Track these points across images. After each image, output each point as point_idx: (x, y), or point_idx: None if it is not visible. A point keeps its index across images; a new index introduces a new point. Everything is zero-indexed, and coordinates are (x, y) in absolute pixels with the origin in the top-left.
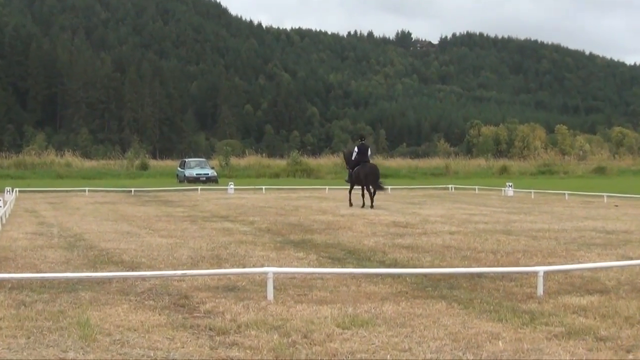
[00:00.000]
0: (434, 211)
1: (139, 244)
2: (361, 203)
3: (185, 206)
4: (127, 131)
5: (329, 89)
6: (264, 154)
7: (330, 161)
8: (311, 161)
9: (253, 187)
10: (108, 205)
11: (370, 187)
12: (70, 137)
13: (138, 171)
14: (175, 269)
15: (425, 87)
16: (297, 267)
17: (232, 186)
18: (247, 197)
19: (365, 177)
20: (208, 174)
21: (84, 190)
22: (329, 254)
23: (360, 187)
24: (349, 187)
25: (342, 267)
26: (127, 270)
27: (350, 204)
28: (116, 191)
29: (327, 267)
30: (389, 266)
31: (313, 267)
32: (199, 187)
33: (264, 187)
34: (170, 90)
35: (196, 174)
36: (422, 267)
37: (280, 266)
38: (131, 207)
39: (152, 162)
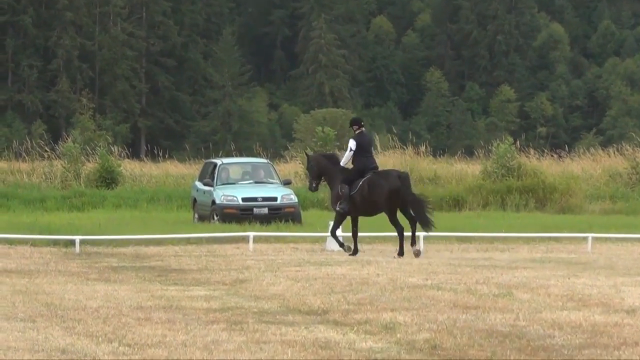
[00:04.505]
0: None
1: None
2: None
3: (215, 283)
4: (65, 83)
5: None
6: (422, 146)
7: (597, 166)
8: (546, 165)
9: (392, 233)
10: (15, 278)
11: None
12: None
13: (93, 190)
14: None
15: None
16: None
17: (338, 230)
18: (379, 260)
19: (392, 196)
20: (275, 198)
21: None
22: None
23: (360, 215)
24: (340, 220)
25: None
26: None
27: (352, 250)
28: (35, 241)
29: None
30: None
31: None
32: (251, 234)
33: (421, 234)
34: None
35: (244, 200)
36: None
37: None
38: (74, 285)
39: (131, 166)
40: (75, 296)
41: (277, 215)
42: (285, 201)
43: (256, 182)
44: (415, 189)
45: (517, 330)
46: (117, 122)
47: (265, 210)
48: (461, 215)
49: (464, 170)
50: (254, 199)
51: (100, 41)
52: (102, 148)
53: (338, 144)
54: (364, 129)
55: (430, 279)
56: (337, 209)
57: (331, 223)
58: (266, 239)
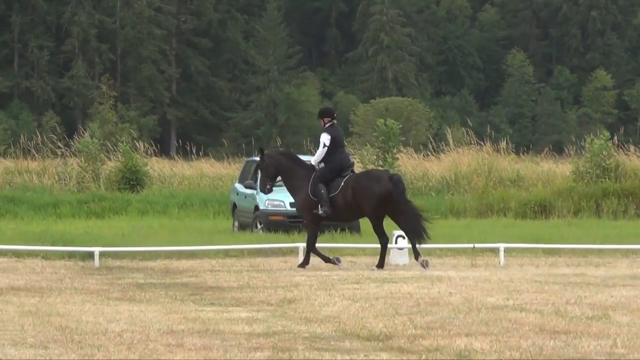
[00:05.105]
0: None
1: None
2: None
3: (258, 303)
4: (81, 67)
5: None
6: (503, 142)
7: None
8: None
9: (467, 244)
10: (24, 297)
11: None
12: None
13: (114, 193)
14: None
15: None
16: None
17: (402, 243)
18: (452, 276)
19: (383, 202)
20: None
21: None
22: None
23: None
24: (312, 231)
25: None
26: None
27: (328, 259)
28: (47, 253)
29: None
30: None
31: None
32: (301, 245)
33: (502, 245)
34: None
35: (292, 205)
36: None
37: None
38: (92, 305)
39: (159, 165)
40: (95, 318)
41: (332, 223)
42: None
43: None
44: (495, 192)
45: (614, 358)
46: (143, 114)
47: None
48: (548, 224)
49: (552, 170)
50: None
51: (122, 18)
52: (125, 144)
53: (403, 138)
54: (335, 121)
55: (512, 299)
56: (320, 212)
57: (396, 233)
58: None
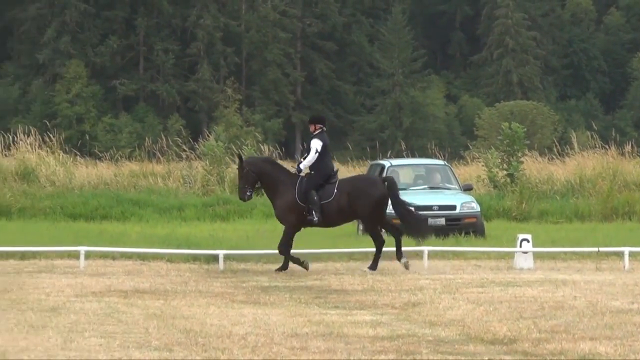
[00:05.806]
0: None
1: None
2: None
3: (382, 307)
4: (206, 71)
5: None
6: (628, 145)
7: None
8: None
9: (591, 248)
10: (148, 300)
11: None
12: (33, 86)
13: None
14: None
15: None
16: None
17: (527, 245)
18: (577, 280)
19: (379, 206)
20: (454, 207)
21: (76, 253)
22: None
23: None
24: (293, 232)
25: None
26: None
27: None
28: (171, 256)
29: None
30: None
31: None
32: (426, 248)
33: (624, 249)
34: None
35: (417, 209)
36: None
37: None
38: (217, 308)
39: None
40: (219, 321)
41: (456, 226)
42: (465, 210)
43: (431, 188)
44: (620, 196)
45: None
46: (268, 117)
47: (442, 221)
48: None
49: None
50: (429, 208)
51: (247, 21)
52: (250, 147)
53: (528, 142)
54: (325, 128)
55: (637, 303)
56: (314, 220)
57: (520, 237)
58: (443, 255)
